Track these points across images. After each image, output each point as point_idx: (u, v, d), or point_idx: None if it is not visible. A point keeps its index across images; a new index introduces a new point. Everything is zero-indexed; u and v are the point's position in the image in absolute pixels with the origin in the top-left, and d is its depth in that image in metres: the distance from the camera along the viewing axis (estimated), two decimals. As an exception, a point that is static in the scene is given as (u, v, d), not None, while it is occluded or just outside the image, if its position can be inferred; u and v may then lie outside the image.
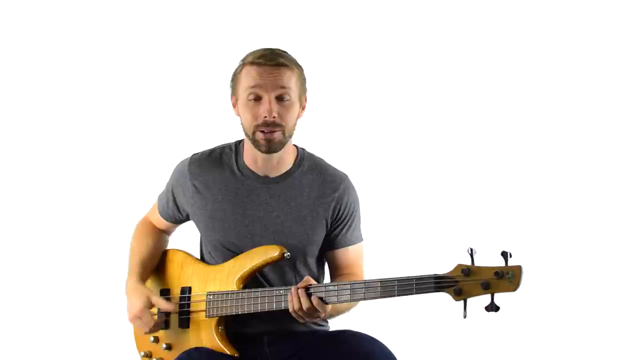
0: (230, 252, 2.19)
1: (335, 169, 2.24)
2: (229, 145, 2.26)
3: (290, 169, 2.20)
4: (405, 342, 2.49)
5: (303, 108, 2.17)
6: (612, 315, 3.44)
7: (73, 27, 3.57)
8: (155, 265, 2.32)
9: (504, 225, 3.40)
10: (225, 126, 2.47)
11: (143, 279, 2.26)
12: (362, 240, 2.27)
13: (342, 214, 2.20)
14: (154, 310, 2.22)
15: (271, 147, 2.10)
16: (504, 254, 1.82)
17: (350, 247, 2.23)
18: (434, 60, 3.56)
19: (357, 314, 2.24)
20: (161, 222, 2.37)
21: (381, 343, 2.11)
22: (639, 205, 3.48)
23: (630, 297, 3.44)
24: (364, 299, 1.98)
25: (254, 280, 2.17)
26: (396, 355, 2.09)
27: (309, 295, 2.00)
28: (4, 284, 3.56)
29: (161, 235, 2.38)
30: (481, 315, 1.99)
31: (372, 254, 2.31)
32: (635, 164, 3.49)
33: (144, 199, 2.49)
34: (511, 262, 1.82)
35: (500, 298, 1.83)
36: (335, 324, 2.30)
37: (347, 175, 2.24)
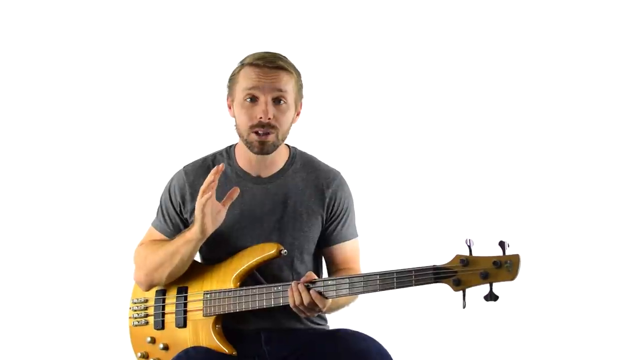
0: (228, 254, 2.19)
1: (327, 165, 2.27)
2: (219, 152, 2.27)
3: (282, 167, 2.22)
4: (401, 341, 2.49)
5: (298, 114, 2.19)
6: (609, 301, 3.45)
7: (73, 29, 3.56)
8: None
9: (500, 218, 3.41)
10: (219, 132, 2.47)
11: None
12: (357, 236, 2.28)
13: (337, 209, 2.22)
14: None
15: (264, 149, 2.12)
16: (502, 244, 1.84)
17: (346, 243, 2.25)
18: (422, 58, 3.58)
19: (354, 313, 2.25)
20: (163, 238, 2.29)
21: (377, 342, 2.12)
22: (633, 191, 3.49)
23: (628, 284, 3.45)
24: (363, 292, 1.98)
25: (250, 277, 2.17)
26: (391, 354, 2.10)
27: (308, 289, 2.01)
28: (4, 285, 3.54)
29: None
30: (478, 309, 2.01)
31: (370, 248, 2.33)
32: (626, 147, 3.51)
33: (142, 201, 2.48)
34: (509, 252, 1.84)
35: (498, 288, 1.86)
36: (333, 323, 2.31)
37: (339, 172, 2.26)
